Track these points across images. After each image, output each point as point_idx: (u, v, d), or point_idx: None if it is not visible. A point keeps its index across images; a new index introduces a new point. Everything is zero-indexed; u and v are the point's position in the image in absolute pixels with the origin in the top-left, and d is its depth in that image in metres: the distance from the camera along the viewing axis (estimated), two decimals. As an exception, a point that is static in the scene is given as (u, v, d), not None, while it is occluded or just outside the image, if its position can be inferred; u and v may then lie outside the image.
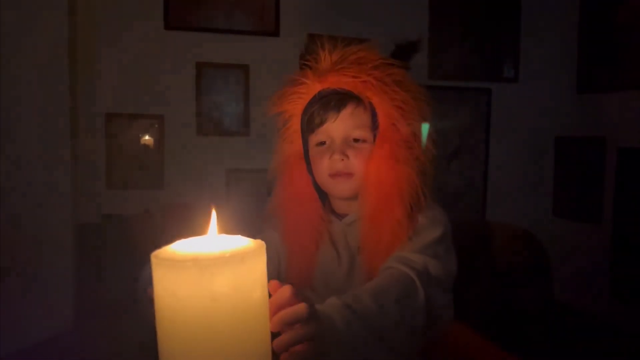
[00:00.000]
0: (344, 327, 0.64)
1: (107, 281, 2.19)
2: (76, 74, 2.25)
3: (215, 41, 2.45)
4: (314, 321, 0.58)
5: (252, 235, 0.56)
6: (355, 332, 0.65)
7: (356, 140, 0.93)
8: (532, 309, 0.97)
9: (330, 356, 0.61)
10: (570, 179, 2.87)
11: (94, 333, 0.70)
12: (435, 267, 0.85)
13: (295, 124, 1.00)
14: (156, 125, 2.42)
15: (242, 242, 0.54)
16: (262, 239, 0.98)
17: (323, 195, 1.00)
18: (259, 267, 0.53)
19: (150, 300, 0.54)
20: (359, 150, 0.93)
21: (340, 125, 0.93)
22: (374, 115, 0.92)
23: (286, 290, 0.57)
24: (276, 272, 0.97)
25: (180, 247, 0.52)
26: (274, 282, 0.59)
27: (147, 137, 2.43)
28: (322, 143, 0.95)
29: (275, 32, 2.50)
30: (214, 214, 0.56)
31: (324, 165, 0.94)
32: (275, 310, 0.56)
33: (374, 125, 0.92)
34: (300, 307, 0.56)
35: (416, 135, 0.91)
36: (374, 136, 0.93)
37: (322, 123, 0.94)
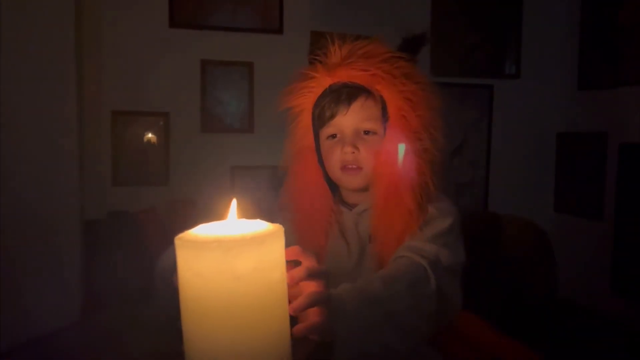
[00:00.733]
0: (354, 308, 0.65)
1: (114, 276, 2.21)
2: (82, 72, 2.26)
3: (219, 39, 2.47)
4: (327, 301, 0.60)
5: None
6: (365, 314, 0.67)
7: (366, 132, 0.95)
8: (536, 297, 0.98)
9: (341, 337, 0.63)
10: (572, 175, 2.88)
11: (100, 324, 0.71)
12: (445, 256, 0.87)
13: (306, 118, 1.01)
14: (161, 123, 2.44)
15: (261, 226, 0.55)
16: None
17: (334, 187, 1.02)
18: (277, 249, 0.54)
19: (174, 289, 0.56)
20: (370, 142, 0.95)
21: (351, 118, 0.95)
22: (383, 108, 0.94)
23: (301, 271, 0.59)
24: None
25: (203, 231, 0.54)
26: (296, 248, 0.61)
27: (152, 135, 2.45)
28: (333, 136, 0.97)
29: (279, 30, 2.52)
30: (234, 202, 0.58)
31: (336, 158, 0.96)
32: (292, 290, 0.58)
33: (384, 118, 0.94)
34: (321, 289, 0.58)
35: (425, 126, 0.93)
36: (384, 128, 0.94)
37: (333, 116, 0.96)
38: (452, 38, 2.83)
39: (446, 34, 2.81)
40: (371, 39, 0.96)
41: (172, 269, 0.55)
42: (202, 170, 2.47)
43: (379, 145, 0.93)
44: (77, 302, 2.13)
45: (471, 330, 0.90)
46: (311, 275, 0.59)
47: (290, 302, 0.58)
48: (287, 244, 1.01)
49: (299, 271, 0.58)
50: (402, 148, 0.91)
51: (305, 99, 0.99)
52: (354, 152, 0.93)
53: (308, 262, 0.61)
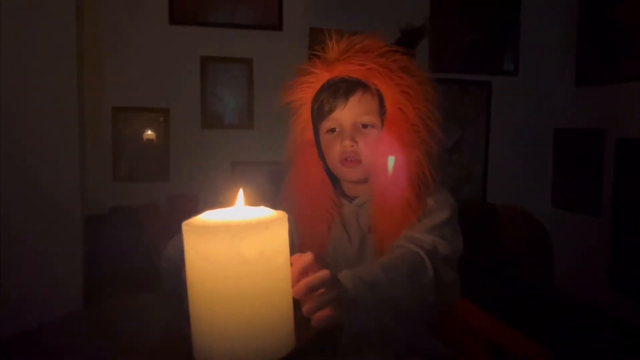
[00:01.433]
0: (354, 294, 0.67)
1: (114, 271, 2.23)
2: (83, 68, 2.28)
3: (219, 35, 2.49)
4: (337, 285, 0.61)
5: None
6: (366, 300, 0.68)
7: (365, 126, 0.97)
8: (533, 285, 1.00)
9: (343, 321, 0.65)
10: (570, 171, 2.91)
11: (102, 312, 0.73)
12: (443, 246, 0.89)
13: (306, 113, 1.03)
14: (161, 119, 2.46)
15: (266, 212, 0.57)
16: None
17: (334, 179, 1.04)
18: (282, 235, 0.56)
19: (183, 281, 0.58)
20: (368, 135, 0.96)
21: (349, 112, 0.97)
22: (381, 101, 0.96)
23: (308, 256, 0.61)
24: (290, 253, 1.00)
25: (209, 217, 0.56)
26: (296, 256, 0.63)
27: (152, 131, 2.46)
28: (333, 130, 0.99)
29: (278, 27, 2.54)
30: (241, 191, 0.60)
31: (335, 152, 0.98)
32: (298, 276, 0.60)
33: (382, 111, 0.96)
34: (324, 273, 0.60)
35: (423, 119, 0.95)
36: (382, 121, 0.96)
37: (331, 110, 0.98)
38: (451, 35, 2.84)
39: (445, 31, 2.82)
40: (369, 33, 0.98)
41: (181, 252, 0.57)
42: (203, 166, 2.48)
43: (377, 138, 0.95)
44: (78, 297, 2.15)
45: (469, 317, 0.92)
46: (314, 287, 0.61)
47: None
48: (290, 235, 1.03)
49: (301, 287, 0.60)
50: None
51: (304, 93, 1.01)
52: (352, 146, 0.95)
53: (314, 271, 0.62)
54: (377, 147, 0.95)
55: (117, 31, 2.37)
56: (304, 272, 0.61)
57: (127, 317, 0.71)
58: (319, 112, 1.00)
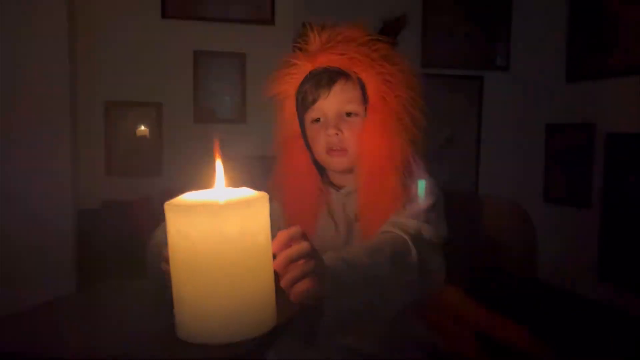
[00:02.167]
0: (335, 271, 0.68)
1: (106, 265, 2.23)
2: (75, 62, 2.28)
3: (212, 30, 2.49)
4: (317, 257, 0.62)
5: None
6: (349, 280, 0.69)
7: (349, 114, 0.98)
8: (518, 271, 1.02)
9: (330, 307, 0.66)
10: (561, 165, 2.93)
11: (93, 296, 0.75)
12: (428, 231, 0.90)
13: (291, 104, 1.05)
14: (154, 113, 2.46)
15: (247, 192, 0.59)
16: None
17: (321, 169, 1.05)
18: (263, 214, 0.58)
19: (165, 260, 0.59)
20: (352, 124, 0.98)
21: (332, 101, 0.98)
22: (363, 90, 0.97)
23: (294, 228, 0.62)
24: None
25: (191, 197, 0.57)
26: (283, 231, 0.63)
27: (145, 125, 2.47)
28: (317, 120, 1.00)
29: (271, 21, 2.55)
30: (219, 164, 0.61)
31: (321, 142, 0.99)
32: (280, 248, 0.61)
33: (365, 99, 0.97)
34: (304, 244, 0.61)
35: (405, 106, 0.96)
36: (365, 109, 0.97)
37: (315, 100, 0.99)
38: (443, 30, 2.86)
39: (437, 25, 2.84)
40: (350, 23, 0.99)
41: (163, 243, 0.58)
42: (195, 160, 2.48)
43: (361, 126, 0.96)
44: (71, 291, 2.15)
45: (455, 303, 0.93)
46: (293, 258, 0.61)
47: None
48: (277, 223, 1.04)
49: (281, 259, 0.61)
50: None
51: (288, 85, 1.02)
52: (337, 134, 0.96)
53: (297, 243, 0.63)
54: (361, 135, 0.96)
55: (109, 25, 2.37)
56: (286, 245, 0.62)
57: (117, 302, 0.72)
58: (303, 103, 1.01)
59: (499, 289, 1.06)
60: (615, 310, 2.53)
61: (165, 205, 0.56)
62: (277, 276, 0.61)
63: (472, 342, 0.90)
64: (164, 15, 2.42)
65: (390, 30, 1.03)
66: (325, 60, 0.97)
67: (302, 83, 1.01)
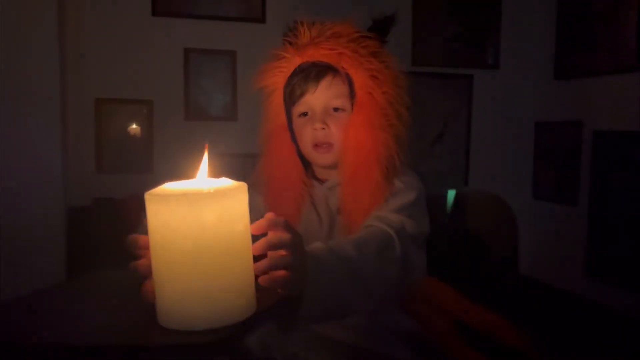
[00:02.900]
0: (323, 266, 0.69)
1: (97, 262, 2.24)
2: (66, 59, 2.28)
3: (202, 27, 2.50)
4: (299, 252, 0.63)
5: None
6: (335, 272, 0.71)
7: (336, 109, 0.99)
8: (499, 266, 1.04)
9: (309, 292, 0.67)
10: (549, 163, 2.96)
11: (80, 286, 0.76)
12: (410, 225, 0.91)
13: (278, 97, 1.06)
14: (145, 111, 2.47)
15: (226, 182, 0.60)
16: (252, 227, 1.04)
17: (305, 163, 1.06)
18: (241, 204, 0.59)
19: (134, 244, 0.61)
20: (339, 119, 0.99)
21: (320, 96, 0.99)
22: (351, 85, 0.98)
23: (280, 217, 0.62)
24: None
25: (171, 186, 0.59)
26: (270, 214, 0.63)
27: (135, 122, 2.47)
28: (304, 114, 1.01)
29: (261, 19, 2.56)
30: (205, 157, 0.62)
31: (307, 136, 1.00)
32: (260, 231, 0.61)
33: (352, 95, 0.98)
34: (286, 235, 0.61)
35: (391, 102, 0.97)
36: (352, 105, 0.99)
37: (302, 94, 1.00)
38: (433, 29, 2.88)
39: (427, 25, 2.86)
40: (341, 20, 1.01)
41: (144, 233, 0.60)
42: (186, 157, 2.49)
43: (347, 121, 0.98)
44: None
45: (435, 293, 0.95)
46: (273, 246, 0.61)
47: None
48: (260, 215, 1.05)
49: (260, 243, 0.61)
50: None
51: (276, 78, 1.03)
52: (324, 129, 0.98)
53: (279, 232, 0.63)
54: (347, 130, 0.97)
55: (100, 22, 2.38)
56: (267, 229, 0.62)
57: (100, 291, 0.73)
58: (291, 97, 1.02)
59: (483, 282, 1.07)
60: (600, 305, 2.56)
61: (145, 195, 0.57)
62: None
63: (452, 331, 0.91)
64: (154, 12, 2.43)
65: (379, 28, 1.04)
66: (314, 54, 0.99)
67: (291, 77, 1.02)
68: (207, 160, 0.62)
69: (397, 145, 0.97)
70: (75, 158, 2.37)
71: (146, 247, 0.61)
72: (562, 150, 2.86)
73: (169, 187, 0.58)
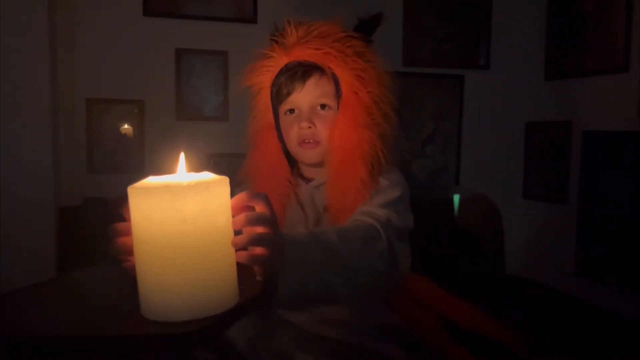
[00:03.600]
0: (301, 246, 0.70)
1: (88, 262, 2.23)
2: (56, 59, 2.28)
3: (194, 28, 2.50)
4: (275, 229, 0.63)
5: None
6: (311, 254, 0.71)
7: (322, 108, 1.01)
8: (485, 262, 1.05)
9: (293, 275, 0.68)
10: (539, 162, 2.98)
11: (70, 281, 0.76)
12: (396, 219, 0.93)
13: (266, 96, 1.07)
14: (136, 110, 2.47)
15: (208, 175, 0.61)
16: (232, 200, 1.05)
17: (292, 162, 1.07)
18: (222, 197, 0.60)
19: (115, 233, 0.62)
20: (325, 117, 1.00)
21: (306, 95, 1.01)
22: (337, 84, 0.99)
23: (260, 194, 0.63)
24: None
25: (153, 180, 0.59)
26: (244, 194, 0.64)
27: (127, 122, 2.47)
28: (291, 111, 1.03)
29: (253, 19, 2.56)
30: (182, 156, 0.63)
31: (293, 133, 1.01)
32: (238, 205, 0.62)
33: (338, 94, 1.00)
34: (266, 212, 0.62)
35: (376, 101, 0.98)
36: (338, 104, 1.00)
37: (289, 93, 1.02)
38: (424, 29, 2.89)
39: (418, 25, 2.88)
40: (327, 20, 1.02)
41: None
42: (177, 157, 2.49)
43: (333, 120, 0.99)
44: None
45: (420, 289, 0.96)
46: (252, 221, 0.62)
47: None
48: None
49: (240, 218, 0.62)
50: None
51: (263, 77, 1.05)
52: (310, 127, 0.99)
53: (259, 207, 0.64)
54: (333, 128, 0.98)
55: (91, 22, 2.38)
56: (246, 206, 0.63)
57: (85, 285, 0.74)
58: (278, 95, 1.03)
59: (468, 278, 1.09)
60: (590, 303, 2.58)
61: (128, 188, 0.58)
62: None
63: (436, 326, 0.92)
64: (145, 12, 2.43)
65: (365, 28, 1.06)
66: (301, 54, 1.00)
67: (278, 76, 1.03)
68: (184, 159, 0.63)
69: (383, 144, 0.98)
70: (66, 158, 2.36)
71: (128, 234, 0.62)
72: (553, 150, 2.89)
73: (151, 180, 0.59)
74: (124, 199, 0.59)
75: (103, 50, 2.40)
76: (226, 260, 0.60)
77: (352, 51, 0.98)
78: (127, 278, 0.62)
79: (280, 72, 1.03)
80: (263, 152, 1.05)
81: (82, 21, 2.37)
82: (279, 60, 1.03)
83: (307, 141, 1.00)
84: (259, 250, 0.62)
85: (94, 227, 2.32)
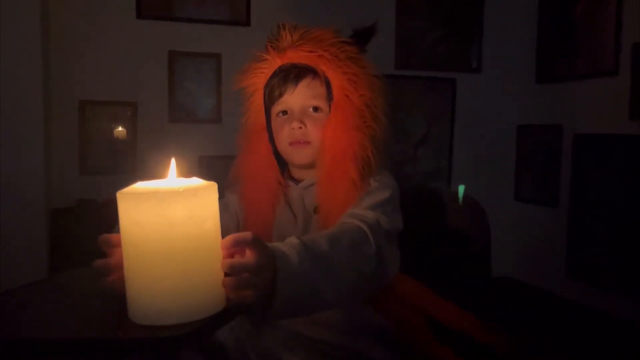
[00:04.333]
0: (297, 262, 0.71)
1: (79, 264, 2.23)
2: (50, 61, 2.28)
3: (187, 30, 2.51)
4: (261, 274, 0.65)
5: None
6: (307, 268, 0.72)
7: (314, 110, 1.02)
8: (471, 263, 1.07)
9: (284, 289, 0.69)
10: (531, 165, 3.01)
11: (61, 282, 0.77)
12: (385, 221, 0.93)
13: (259, 98, 1.08)
14: (129, 113, 2.47)
15: (196, 181, 0.62)
16: (224, 202, 1.06)
17: (282, 164, 1.08)
18: (210, 202, 0.61)
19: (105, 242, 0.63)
20: (316, 119, 1.01)
21: (298, 96, 1.01)
22: (329, 87, 1.00)
23: (245, 234, 0.64)
24: (236, 232, 1.04)
25: (142, 185, 0.60)
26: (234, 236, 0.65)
27: (120, 124, 2.48)
28: (284, 113, 1.04)
29: (246, 22, 2.57)
30: (173, 161, 0.64)
31: (285, 134, 1.02)
32: (228, 252, 0.63)
33: (329, 97, 1.01)
34: (249, 260, 0.63)
35: (368, 105, 0.99)
36: (330, 106, 1.01)
37: (281, 94, 1.03)
38: (417, 33, 2.91)
39: (411, 29, 2.90)
40: (323, 26, 1.03)
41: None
42: (170, 160, 2.50)
43: (324, 122, 1.00)
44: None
45: (407, 290, 0.97)
46: (236, 269, 0.63)
47: None
48: (235, 214, 1.06)
49: (225, 263, 0.63)
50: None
51: (257, 79, 1.06)
52: (301, 128, 1.00)
53: (245, 252, 0.65)
54: (324, 130, 0.99)
55: (84, 24, 2.38)
56: (237, 245, 0.64)
57: (75, 288, 0.75)
58: (270, 97, 1.04)
59: (455, 280, 1.10)
60: (581, 305, 2.61)
61: (117, 194, 0.59)
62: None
63: (423, 327, 0.93)
64: (139, 15, 2.44)
65: (359, 38, 1.07)
66: (294, 56, 1.01)
67: (271, 77, 1.04)
68: (174, 164, 0.64)
69: (373, 146, 0.99)
70: (59, 159, 2.36)
71: (117, 245, 0.63)
72: (544, 153, 2.91)
73: (140, 186, 0.60)
74: (116, 201, 0.60)
75: (96, 52, 2.40)
76: (213, 264, 0.61)
77: (346, 56, 0.99)
78: (113, 294, 0.63)
79: (274, 74, 1.04)
80: (254, 154, 1.06)
81: (75, 23, 2.37)
82: (273, 63, 1.04)
83: (297, 141, 1.01)
84: (243, 294, 0.63)
85: (86, 229, 2.32)
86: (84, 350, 0.56)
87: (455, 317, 0.97)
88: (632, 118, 2.39)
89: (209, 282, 0.60)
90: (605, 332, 2.38)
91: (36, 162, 2.19)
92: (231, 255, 0.63)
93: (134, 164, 2.48)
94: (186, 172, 0.66)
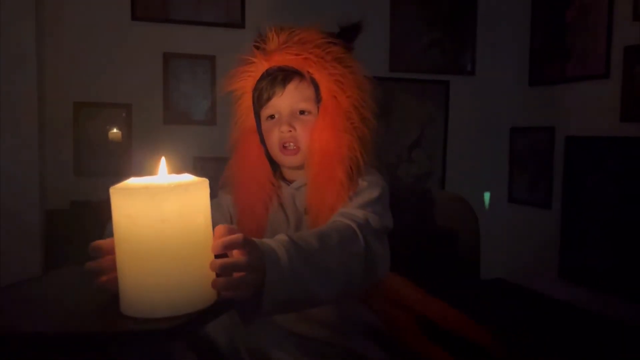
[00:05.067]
0: (286, 261, 0.72)
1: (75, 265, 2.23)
2: (44, 63, 2.29)
3: (182, 32, 2.52)
4: (253, 272, 0.66)
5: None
6: (296, 266, 0.73)
7: (302, 112, 1.03)
8: (461, 262, 1.08)
9: (274, 288, 0.70)
10: (524, 167, 3.03)
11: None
12: (374, 220, 0.95)
13: (247, 101, 1.09)
14: (124, 114, 2.48)
15: (187, 177, 0.63)
16: (216, 203, 1.07)
17: (274, 164, 1.09)
18: (201, 198, 0.62)
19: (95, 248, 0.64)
20: (305, 122, 1.02)
21: (286, 99, 1.03)
22: (316, 89, 1.02)
23: (236, 236, 0.65)
24: None
25: (134, 181, 0.61)
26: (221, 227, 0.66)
27: (115, 126, 2.48)
28: (272, 117, 1.05)
29: (241, 24, 2.59)
30: (163, 160, 0.65)
31: (275, 138, 1.03)
32: (220, 250, 0.64)
33: (317, 99, 1.02)
34: (240, 259, 0.64)
35: (355, 106, 1.01)
36: (318, 108, 1.02)
37: (270, 98, 1.04)
38: (410, 36, 2.94)
39: (405, 31, 2.92)
40: (308, 26, 1.05)
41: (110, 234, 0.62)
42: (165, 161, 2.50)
43: (313, 124, 1.01)
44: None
45: (398, 289, 0.98)
46: (228, 268, 0.64)
47: None
48: (229, 214, 1.07)
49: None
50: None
51: (245, 82, 1.07)
52: (290, 131, 1.01)
53: (237, 253, 0.66)
54: (313, 132, 1.00)
55: (79, 26, 2.39)
56: (227, 248, 0.65)
57: (68, 284, 0.76)
58: (259, 100, 1.05)
59: (445, 279, 1.11)
60: (573, 306, 2.63)
61: (110, 189, 0.60)
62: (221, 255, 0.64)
63: (414, 326, 0.95)
64: (134, 17, 2.45)
65: (345, 35, 1.08)
66: (281, 59, 1.02)
67: (259, 81, 1.05)
68: (164, 162, 0.65)
69: (362, 147, 1.00)
70: (54, 161, 2.37)
71: (108, 253, 0.64)
72: (537, 155, 2.93)
73: (133, 182, 0.61)
74: (109, 203, 0.61)
75: (91, 54, 2.41)
76: (204, 259, 0.62)
77: (332, 57, 1.01)
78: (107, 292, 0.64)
79: (262, 77, 1.05)
80: (245, 156, 1.07)
81: (69, 25, 2.37)
82: (260, 66, 1.05)
83: (288, 146, 1.02)
84: (234, 291, 0.64)
85: (80, 230, 2.32)
86: (75, 344, 0.57)
87: (447, 317, 0.98)
88: (623, 120, 2.41)
89: (201, 276, 0.61)
90: (597, 334, 2.39)
91: (31, 164, 2.19)
92: (222, 251, 0.64)
93: (128, 166, 2.48)
94: (179, 170, 0.67)
